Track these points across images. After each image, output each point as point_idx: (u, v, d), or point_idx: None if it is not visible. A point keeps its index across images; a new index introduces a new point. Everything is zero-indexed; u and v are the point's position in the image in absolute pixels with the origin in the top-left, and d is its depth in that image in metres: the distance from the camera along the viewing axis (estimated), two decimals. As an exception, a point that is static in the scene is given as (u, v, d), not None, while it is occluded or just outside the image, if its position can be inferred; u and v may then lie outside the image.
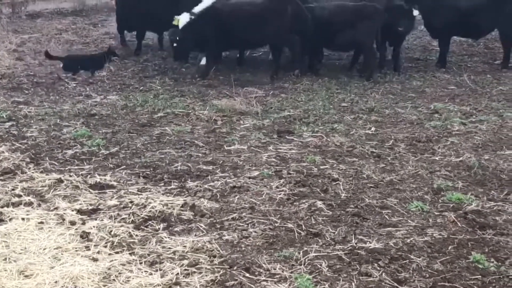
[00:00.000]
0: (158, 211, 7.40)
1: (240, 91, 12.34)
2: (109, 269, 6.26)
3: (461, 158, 9.12)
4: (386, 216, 7.43)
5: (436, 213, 7.51)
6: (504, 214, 7.47)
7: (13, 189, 7.96)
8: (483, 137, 9.98)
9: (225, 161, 8.99)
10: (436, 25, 14.19)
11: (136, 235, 6.93)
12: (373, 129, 10.42)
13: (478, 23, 13.90)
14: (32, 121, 10.58)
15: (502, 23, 13.81)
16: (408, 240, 6.86)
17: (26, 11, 20.16)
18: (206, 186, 8.15)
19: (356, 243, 6.81)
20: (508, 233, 7.05)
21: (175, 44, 13.18)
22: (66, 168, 8.67)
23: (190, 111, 11.18)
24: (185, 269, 6.28)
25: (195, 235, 6.94)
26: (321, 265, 6.39)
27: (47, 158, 9.02)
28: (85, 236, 6.88)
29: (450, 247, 6.75)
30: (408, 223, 7.28)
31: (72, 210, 7.43)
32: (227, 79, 13.29)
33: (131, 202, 7.61)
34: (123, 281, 6.10)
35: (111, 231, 6.97)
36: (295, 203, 7.72)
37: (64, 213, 7.35)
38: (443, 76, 13.61)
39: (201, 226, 7.13)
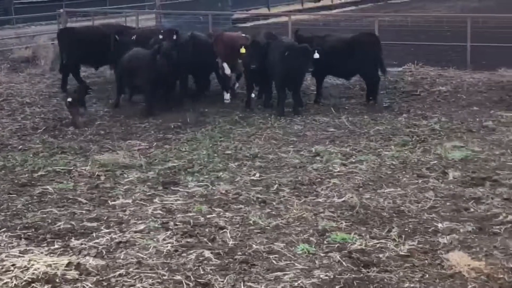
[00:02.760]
0: (41, 272, 7.19)
1: (122, 144, 12.25)
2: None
3: (343, 199, 9.32)
4: (273, 261, 7.50)
5: (322, 255, 7.64)
6: (387, 251, 7.67)
7: None
8: (363, 176, 10.25)
9: (110, 217, 8.88)
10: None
11: (20, 299, 6.73)
12: (257, 175, 10.53)
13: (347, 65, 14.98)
14: None
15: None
16: (296, 283, 6.94)
17: None
18: (91, 243, 8.01)
19: (245, 290, 6.85)
20: (391, 269, 7.24)
21: None
22: None
23: (72, 168, 11.01)
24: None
25: (82, 295, 6.81)
26: (211, 315, 6.37)
27: None
28: (-34, 304, 6.63)
29: (336, 287, 6.86)
30: (295, 266, 7.37)
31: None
32: (109, 132, 13.22)
33: (13, 265, 7.36)
34: None
35: (-7, 296, 6.76)
36: (183, 254, 7.70)
37: None
38: (323, 119, 13.93)
39: (87, 285, 6.98)
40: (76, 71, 17.41)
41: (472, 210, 8.88)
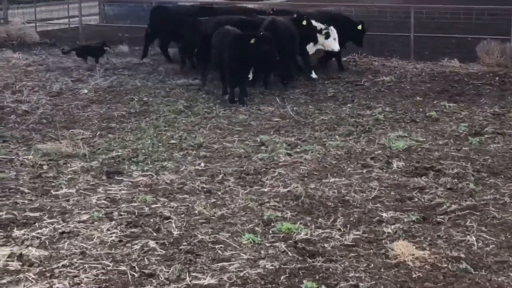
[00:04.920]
0: (-17, 264, 7.09)
1: (65, 133, 12.08)
2: None
3: (288, 188, 9.34)
4: (219, 251, 7.49)
5: (267, 245, 7.64)
6: (332, 241, 7.71)
7: None
8: (308, 166, 10.27)
9: (53, 207, 8.75)
10: None
11: (-40, 292, 6.59)
12: (202, 164, 10.48)
13: None
14: None
15: None
16: (242, 274, 6.95)
17: None
18: (33, 233, 7.90)
19: (190, 281, 6.83)
20: (337, 259, 7.28)
21: None
22: None
23: (14, 157, 10.80)
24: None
25: (24, 286, 6.70)
26: (156, 306, 6.34)
27: None
28: None
29: (282, 277, 6.89)
30: (240, 256, 7.37)
31: None
32: (51, 121, 13.03)
33: (-47, 257, 7.24)
34: None
35: None
36: (127, 245, 7.64)
37: None
38: (268, 108, 13.91)
39: (30, 276, 6.88)
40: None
41: (416, 199, 8.98)
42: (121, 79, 16.80)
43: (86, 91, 15.56)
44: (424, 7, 24.13)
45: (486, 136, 11.77)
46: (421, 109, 13.67)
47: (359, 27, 17.60)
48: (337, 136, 11.86)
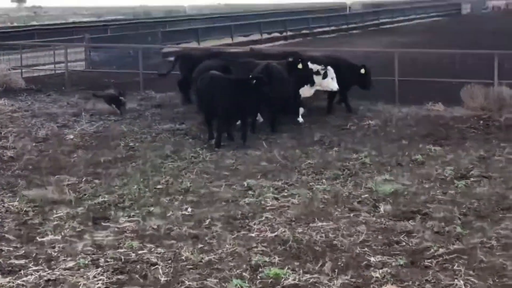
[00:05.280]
0: (-33, 312, 7.01)
1: (51, 179, 12.03)
2: None
3: (276, 233, 9.30)
4: (206, 297, 7.44)
5: (255, 290, 7.60)
6: (320, 286, 7.68)
7: None
8: (295, 210, 10.26)
9: (39, 254, 8.68)
10: None
11: None
12: (189, 209, 10.44)
13: None
14: None
15: None
16: (230, 320, 6.89)
17: None
18: (19, 281, 7.83)
19: (178, 328, 6.76)
20: (325, 304, 7.25)
21: None
22: None
23: (-1, 204, 10.76)
24: None
25: (9, 335, 6.62)
26: None
27: None
28: None
29: (271, 323, 6.84)
30: (228, 302, 7.32)
31: None
32: (37, 167, 12.97)
33: None
34: None
35: None
36: (113, 292, 7.58)
37: None
38: (254, 153, 13.92)
39: (15, 325, 6.81)
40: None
41: (403, 243, 8.97)
42: (107, 124, 16.83)
43: (72, 136, 15.57)
44: (408, 52, 24.39)
45: (472, 179, 11.80)
46: (406, 153, 13.71)
47: (362, 70, 17.73)
48: (324, 180, 11.87)
